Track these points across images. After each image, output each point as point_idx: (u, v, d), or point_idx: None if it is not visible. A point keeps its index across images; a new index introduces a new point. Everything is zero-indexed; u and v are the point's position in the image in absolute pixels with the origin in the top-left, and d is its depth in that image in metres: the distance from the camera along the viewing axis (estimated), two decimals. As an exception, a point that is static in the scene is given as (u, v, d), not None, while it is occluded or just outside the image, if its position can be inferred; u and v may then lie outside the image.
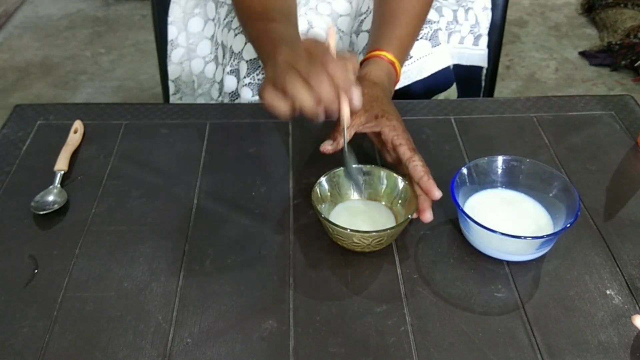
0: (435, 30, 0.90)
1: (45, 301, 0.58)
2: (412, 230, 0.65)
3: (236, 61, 0.90)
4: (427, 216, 0.62)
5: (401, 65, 0.77)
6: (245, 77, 0.89)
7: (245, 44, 0.90)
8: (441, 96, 0.93)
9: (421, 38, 0.89)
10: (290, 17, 0.78)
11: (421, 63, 0.89)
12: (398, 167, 0.68)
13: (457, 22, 0.96)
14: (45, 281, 0.60)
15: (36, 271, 0.61)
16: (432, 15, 0.92)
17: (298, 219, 0.66)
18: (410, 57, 0.88)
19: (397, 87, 0.88)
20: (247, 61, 0.89)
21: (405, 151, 0.64)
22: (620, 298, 0.58)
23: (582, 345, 0.54)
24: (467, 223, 0.60)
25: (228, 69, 0.91)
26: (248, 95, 0.89)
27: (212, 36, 0.97)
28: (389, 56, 0.75)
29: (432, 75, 0.89)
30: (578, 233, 0.65)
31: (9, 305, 0.57)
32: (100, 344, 0.54)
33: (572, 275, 0.60)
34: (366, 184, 0.67)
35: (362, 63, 0.76)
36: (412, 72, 0.89)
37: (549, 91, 2.12)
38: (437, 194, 0.62)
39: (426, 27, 0.89)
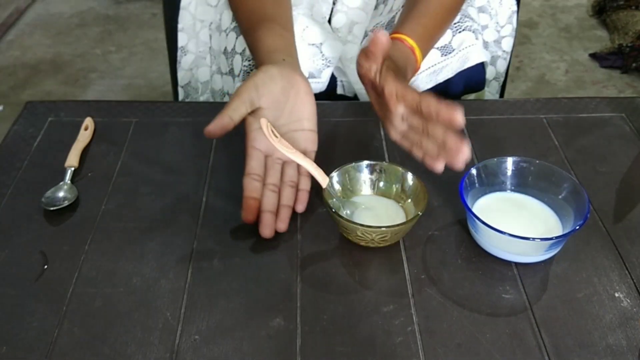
0: (476, 28, 0.90)
1: (55, 296, 0.58)
2: (420, 231, 0.65)
3: (247, 62, 0.90)
4: (465, 152, 0.57)
5: (423, 54, 0.76)
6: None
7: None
8: (472, 96, 0.92)
9: (464, 30, 0.88)
10: (278, 20, 0.79)
11: (465, 53, 0.88)
12: (402, 140, 0.65)
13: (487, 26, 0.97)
14: (54, 277, 0.60)
15: (46, 267, 0.61)
16: (473, 13, 0.92)
17: (306, 217, 0.66)
18: (453, 50, 0.88)
19: (440, 80, 0.88)
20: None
21: (414, 96, 0.60)
22: (628, 301, 0.58)
23: (590, 347, 0.54)
24: (475, 224, 0.60)
25: (241, 78, 0.91)
26: None
27: (221, 48, 0.96)
28: (410, 41, 0.73)
29: (469, 74, 0.89)
30: (587, 235, 0.64)
31: (18, 301, 0.58)
32: (109, 340, 0.54)
33: (580, 277, 0.60)
34: (377, 180, 0.67)
35: None
36: (455, 63, 0.88)
37: (559, 93, 2.11)
38: (460, 117, 0.57)
39: (468, 21, 0.89)
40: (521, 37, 2.41)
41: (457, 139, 0.58)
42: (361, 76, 0.67)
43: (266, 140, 0.65)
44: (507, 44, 1.01)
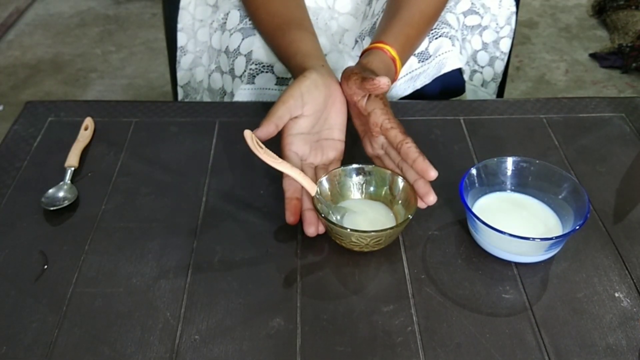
0: (453, 34, 0.90)
1: (55, 296, 0.58)
2: (420, 231, 0.65)
3: (254, 66, 0.89)
4: (431, 198, 0.62)
5: (402, 64, 0.76)
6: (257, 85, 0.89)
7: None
8: None
9: (440, 36, 0.88)
10: (305, 24, 0.80)
11: (441, 59, 0.88)
12: (375, 159, 0.68)
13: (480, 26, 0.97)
14: (54, 277, 0.60)
15: (46, 267, 0.61)
16: (451, 19, 0.91)
17: (306, 217, 0.66)
18: (430, 56, 0.88)
19: (418, 86, 0.88)
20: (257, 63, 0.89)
21: (397, 134, 0.63)
22: (629, 301, 0.58)
23: (590, 347, 0.54)
24: (475, 224, 0.60)
25: (245, 79, 0.91)
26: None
27: (223, 47, 0.95)
28: (392, 52, 0.74)
29: (447, 79, 0.89)
30: (587, 235, 0.64)
31: (18, 300, 0.58)
32: (109, 340, 0.54)
33: (580, 277, 0.60)
34: (367, 184, 0.67)
35: (364, 52, 0.75)
36: (432, 69, 0.88)
37: (559, 93, 2.11)
38: (433, 173, 0.61)
39: (445, 27, 0.89)
40: (521, 37, 2.41)
41: (426, 186, 0.62)
42: (344, 93, 0.68)
43: (303, 145, 0.66)
44: (505, 44, 1.01)
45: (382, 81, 0.61)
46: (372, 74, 0.65)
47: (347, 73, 0.67)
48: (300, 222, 0.63)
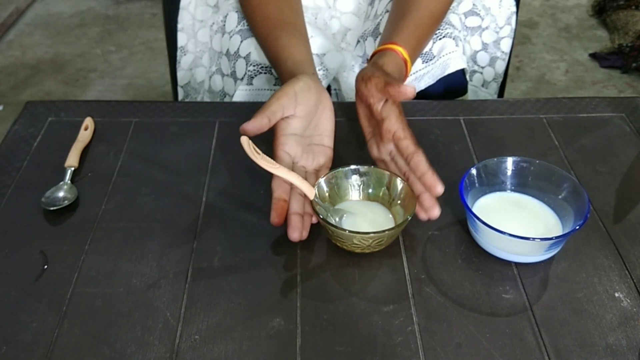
0: (457, 35, 0.90)
1: (55, 296, 0.58)
2: (420, 231, 0.65)
3: (252, 67, 0.89)
4: (436, 212, 0.62)
5: (411, 66, 0.77)
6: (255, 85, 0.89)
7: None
8: None
9: (444, 37, 0.88)
10: (299, 29, 0.80)
11: (445, 60, 0.88)
12: (380, 162, 0.68)
13: (480, 27, 0.96)
14: (54, 276, 0.60)
15: (46, 266, 0.61)
16: (454, 20, 0.91)
17: (306, 217, 0.66)
18: (434, 57, 0.88)
19: (422, 87, 0.88)
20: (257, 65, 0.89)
21: (409, 145, 0.63)
22: (628, 301, 0.58)
23: (590, 347, 0.54)
24: (475, 224, 0.60)
25: (245, 81, 0.91)
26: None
27: (223, 50, 0.94)
28: (404, 53, 0.74)
29: (450, 80, 0.89)
30: (587, 235, 0.64)
31: (18, 300, 0.58)
32: (109, 340, 0.54)
33: (580, 277, 0.60)
34: (365, 185, 0.67)
35: (375, 53, 0.75)
36: (436, 70, 0.88)
37: (559, 93, 2.11)
38: (440, 189, 0.61)
39: (449, 28, 0.89)
40: (521, 37, 2.41)
41: (432, 200, 0.62)
42: (359, 93, 0.67)
43: (295, 146, 0.66)
44: (506, 44, 1.01)
45: (409, 89, 0.61)
46: (392, 79, 0.65)
47: (367, 75, 0.66)
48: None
